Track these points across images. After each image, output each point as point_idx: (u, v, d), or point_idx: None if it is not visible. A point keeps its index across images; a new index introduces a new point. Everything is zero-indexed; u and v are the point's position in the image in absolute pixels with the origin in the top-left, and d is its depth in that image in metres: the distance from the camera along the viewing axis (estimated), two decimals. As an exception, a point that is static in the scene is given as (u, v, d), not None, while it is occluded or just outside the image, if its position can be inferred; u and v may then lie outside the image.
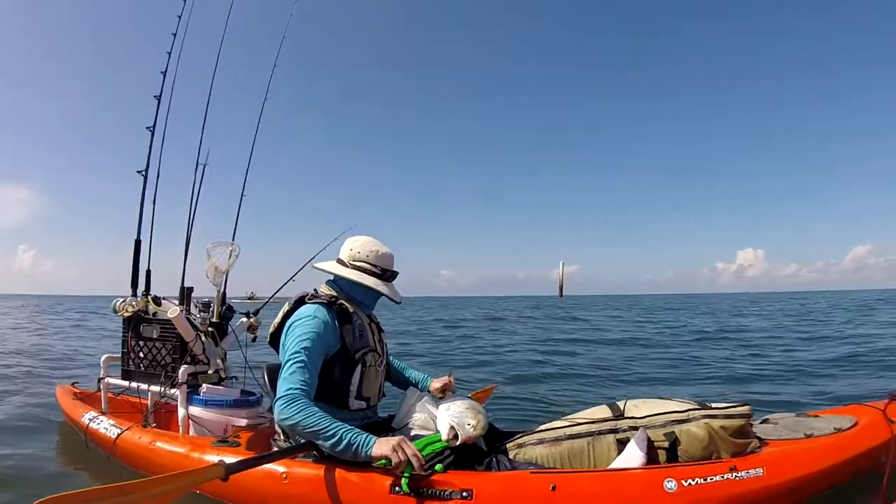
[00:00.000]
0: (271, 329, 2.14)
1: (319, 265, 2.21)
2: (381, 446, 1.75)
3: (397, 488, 1.80)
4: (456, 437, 1.91)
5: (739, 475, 1.87)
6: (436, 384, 2.36)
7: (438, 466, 1.83)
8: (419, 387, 2.39)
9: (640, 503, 1.79)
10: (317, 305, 2.02)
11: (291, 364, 1.86)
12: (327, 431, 1.76)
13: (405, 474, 1.73)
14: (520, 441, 2.15)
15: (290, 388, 1.81)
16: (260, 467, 1.89)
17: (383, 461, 1.74)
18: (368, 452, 1.75)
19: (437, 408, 2.12)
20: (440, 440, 1.91)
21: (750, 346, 9.07)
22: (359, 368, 2.04)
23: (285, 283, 2.95)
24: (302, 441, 1.98)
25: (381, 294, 2.14)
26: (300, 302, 2.08)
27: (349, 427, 1.81)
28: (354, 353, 2.03)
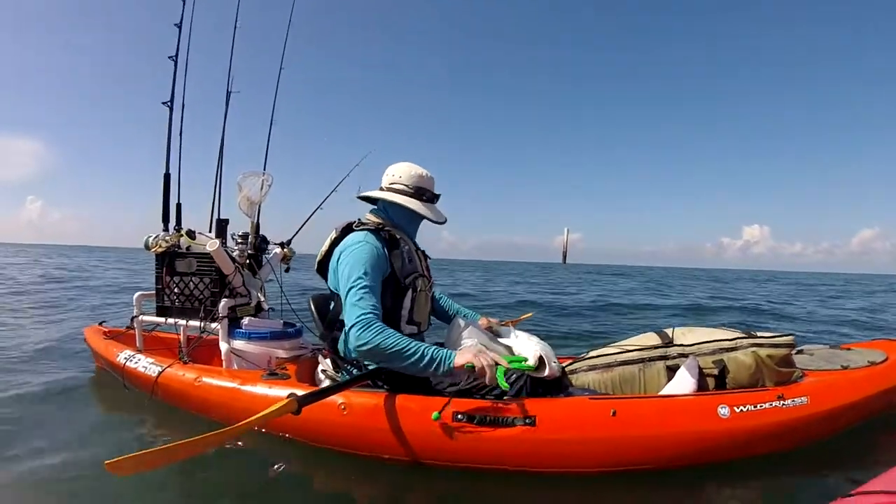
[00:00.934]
0: (318, 257, 2.12)
1: (362, 193, 2.18)
2: (464, 355, 1.76)
3: (490, 397, 1.84)
4: (542, 367, 1.91)
5: (786, 403, 1.94)
6: (485, 321, 2.36)
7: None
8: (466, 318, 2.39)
9: (695, 428, 1.83)
10: (365, 232, 2.00)
11: (357, 290, 1.84)
12: (408, 350, 1.75)
13: (499, 373, 1.72)
14: (571, 367, 2.18)
15: (363, 313, 1.79)
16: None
17: (469, 364, 1.73)
18: (451, 364, 1.75)
19: (484, 335, 2.12)
20: (525, 363, 1.90)
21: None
22: (409, 293, 2.04)
23: (315, 210, 2.95)
24: (360, 372, 1.98)
25: (416, 213, 2.07)
26: (347, 229, 2.06)
27: (427, 344, 1.82)
28: (405, 278, 2.02)
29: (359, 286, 1.85)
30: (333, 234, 2.09)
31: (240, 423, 1.59)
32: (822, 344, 2.76)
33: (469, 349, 1.79)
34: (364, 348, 1.78)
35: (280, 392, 2.08)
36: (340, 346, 2.07)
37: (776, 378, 2.07)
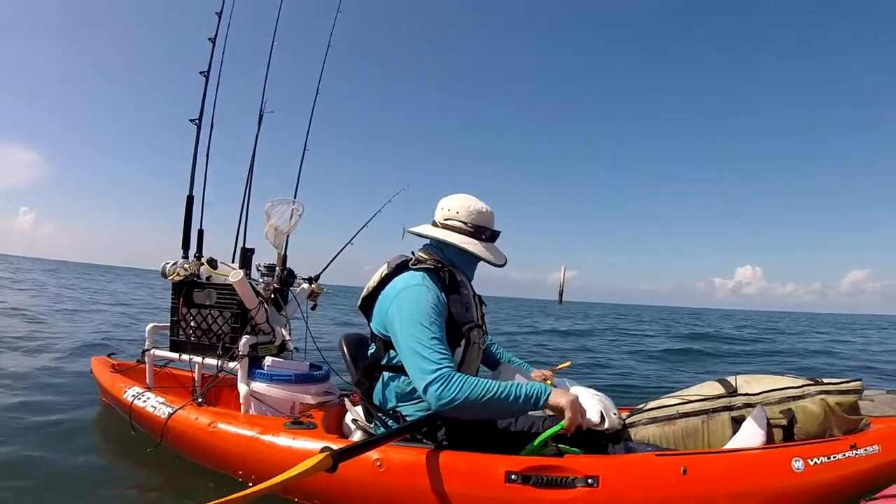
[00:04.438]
0: (364, 293, 1.91)
1: (413, 229, 1.96)
2: (560, 396, 1.63)
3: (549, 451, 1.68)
4: (602, 421, 1.73)
5: (859, 452, 1.85)
6: (538, 374, 2.18)
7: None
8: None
9: (770, 485, 1.69)
10: (422, 273, 1.79)
11: (426, 339, 1.63)
12: (500, 393, 1.58)
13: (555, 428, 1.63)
14: (630, 420, 2.02)
15: (439, 368, 1.58)
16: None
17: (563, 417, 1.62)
18: (548, 397, 1.62)
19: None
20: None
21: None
22: (462, 344, 1.82)
23: (345, 246, 2.85)
24: (395, 424, 1.79)
25: (473, 254, 1.86)
26: (402, 267, 1.84)
27: (514, 382, 1.66)
28: (461, 326, 1.81)
29: (427, 337, 1.63)
30: (384, 270, 1.87)
31: (266, 484, 1.38)
32: (879, 389, 2.66)
33: (567, 393, 1.66)
34: (451, 406, 1.57)
35: (306, 444, 1.88)
36: (377, 396, 1.88)
37: (845, 426, 1.96)
